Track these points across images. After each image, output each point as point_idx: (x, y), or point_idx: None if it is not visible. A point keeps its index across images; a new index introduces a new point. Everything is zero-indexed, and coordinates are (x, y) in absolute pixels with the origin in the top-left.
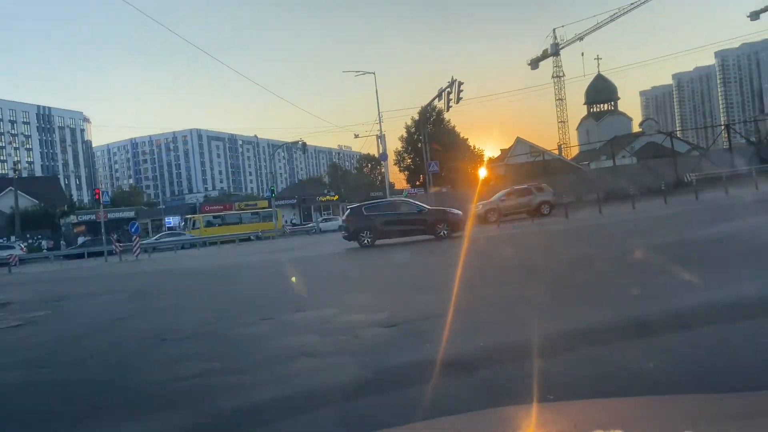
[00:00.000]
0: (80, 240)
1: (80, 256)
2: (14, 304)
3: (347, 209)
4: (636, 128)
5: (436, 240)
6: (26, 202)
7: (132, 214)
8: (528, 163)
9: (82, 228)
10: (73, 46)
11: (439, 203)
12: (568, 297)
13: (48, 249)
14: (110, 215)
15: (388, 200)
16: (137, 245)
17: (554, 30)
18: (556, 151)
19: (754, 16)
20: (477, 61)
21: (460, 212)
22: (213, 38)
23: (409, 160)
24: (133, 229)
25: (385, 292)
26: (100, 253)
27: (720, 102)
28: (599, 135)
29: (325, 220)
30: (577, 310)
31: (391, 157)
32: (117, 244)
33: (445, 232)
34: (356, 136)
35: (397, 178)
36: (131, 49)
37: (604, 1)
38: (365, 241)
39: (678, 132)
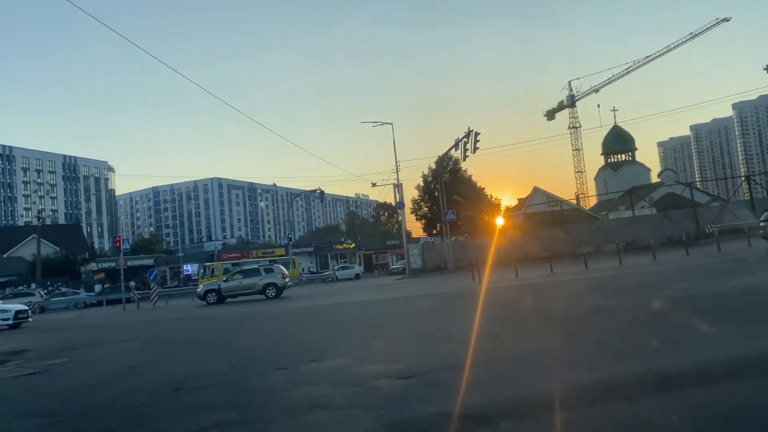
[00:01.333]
0: (97, 288)
1: (99, 303)
2: (32, 352)
3: None
4: (654, 179)
5: None
6: (48, 249)
7: (151, 261)
8: (545, 213)
9: (102, 275)
10: (99, 97)
11: (456, 252)
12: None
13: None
14: (130, 263)
15: None
16: (155, 293)
17: (569, 82)
18: (574, 201)
19: None
20: (493, 111)
21: None
22: (232, 88)
23: (425, 209)
24: (151, 277)
25: None
26: (118, 301)
27: (739, 153)
28: (617, 185)
29: (342, 268)
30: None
31: (408, 206)
32: (135, 292)
33: None
34: (373, 185)
35: (413, 226)
36: (154, 100)
37: (618, 54)
38: None
39: (698, 183)
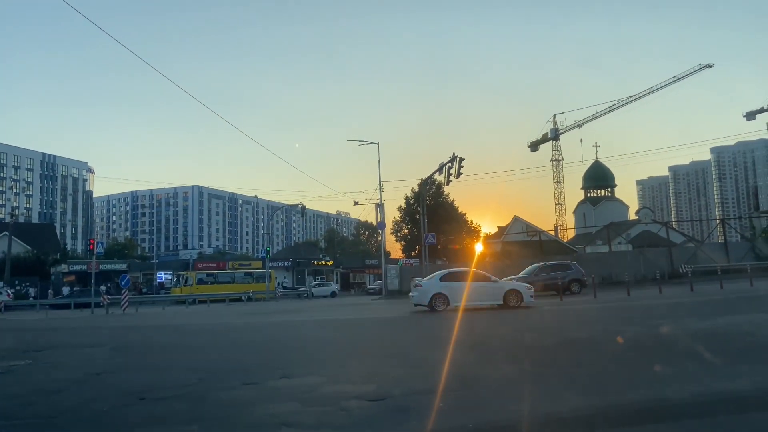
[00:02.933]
0: (65, 290)
1: (67, 306)
2: None
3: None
4: (632, 216)
5: None
6: (20, 248)
7: (124, 266)
8: (524, 242)
9: (72, 278)
10: (83, 97)
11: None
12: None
13: (34, 297)
14: (102, 266)
15: None
16: (126, 299)
17: (554, 116)
18: (553, 232)
19: (750, 116)
20: (478, 138)
21: None
22: (220, 97)
23: (406, 231)
24: (123, 283)
25: None
26: (87, 305)
27: (715, 196)
28: (595, 219)
29: (319, 285)
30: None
31: (389, 227)
32: (105, 297)
33: None
34: (356, 204)
35: (393, 247)
36: (139, 103)
37: (603, 91)
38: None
39: (674, 223)
